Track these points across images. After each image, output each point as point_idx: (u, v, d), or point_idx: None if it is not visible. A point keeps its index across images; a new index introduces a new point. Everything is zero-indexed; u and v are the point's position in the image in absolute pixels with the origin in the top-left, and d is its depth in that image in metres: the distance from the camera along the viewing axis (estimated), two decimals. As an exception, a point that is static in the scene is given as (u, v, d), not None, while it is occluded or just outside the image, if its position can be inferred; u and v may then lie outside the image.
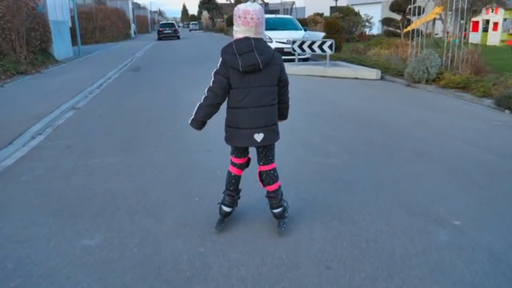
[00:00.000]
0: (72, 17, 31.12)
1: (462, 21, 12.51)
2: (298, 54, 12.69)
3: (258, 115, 2.76)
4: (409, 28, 14.65)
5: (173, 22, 45.34)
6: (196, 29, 74.79)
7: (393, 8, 21.29)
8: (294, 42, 12.49)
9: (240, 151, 2.97)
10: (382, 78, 11.11)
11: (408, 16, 19.83)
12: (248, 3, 2.83)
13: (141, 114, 7.27)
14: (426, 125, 6.22)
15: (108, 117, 7.07)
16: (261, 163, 2.98)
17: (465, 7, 12.81)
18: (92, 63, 17.11)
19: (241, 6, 2.68)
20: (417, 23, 13.90)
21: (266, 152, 2.94)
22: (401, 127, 6.10)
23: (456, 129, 5.99)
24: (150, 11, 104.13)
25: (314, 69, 12.03)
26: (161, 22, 47.31)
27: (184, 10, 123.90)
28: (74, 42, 31.01)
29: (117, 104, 8.30)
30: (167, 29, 39.25)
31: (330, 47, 11.84)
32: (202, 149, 5.09)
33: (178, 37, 38.59)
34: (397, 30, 17.95)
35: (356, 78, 11.25)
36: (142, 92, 9.71)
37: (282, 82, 2.86)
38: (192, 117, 2.88)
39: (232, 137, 2.86)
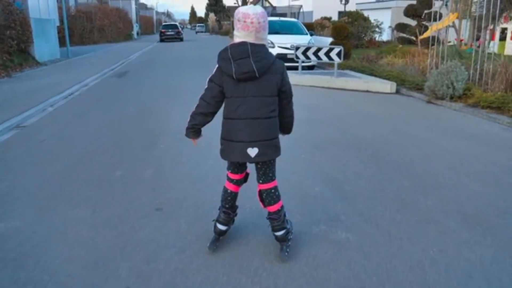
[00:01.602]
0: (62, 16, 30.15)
1: (489, 27, 11.02)
2: (302, 62, 11.22)
3: (253, 128, 2.54)
4: (425, 35, 13.16)
5: (176, 23, 44.06)
6: (202, 31, 73.80)
7: (408, 13, 19.61)
8: (297, 48, 11.02)
9: (237, 166, 2.77)
10: (397, 92, 9.61)
11: (424, 22, 18.28)
12: (250, 5, 2.58)
13: (98, 137, 5.83)
14: (464, 163, 4.71)
15: (52, 143, 5.59)
16: (260, 181, 2.75)
17: (483, 13, 11.32)
18: (77, 66, 15.71)
19: (241, 9, 2.49)
20: (432, 29, 12.41)
21: (266, 169, 2.71)
22: (432, 168, 4.57)
23: (498, 167, 4.50)
24: (157, 12, 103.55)
25: (320, 79, 10.54)
26: (163, 23, 46.02)
27: (193, 12, 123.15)
28: (61, 43, 30.07)
29: (74, 122, 6.83)
30: (170, 30, 38.05)
31: (339, 54, 10.36)
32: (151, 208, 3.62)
33: (181, 39, 37.43)
34: (412, 37, 16.39)
35: (367, 91, 9.75)
36: (115, 104, 8.29)
37: (283, 94, 2.62)
38: (186, 125, 2.69)
39: (226, 150, 2.66)
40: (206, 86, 2.59)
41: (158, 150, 5.25)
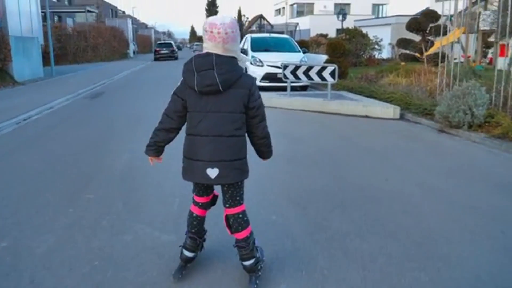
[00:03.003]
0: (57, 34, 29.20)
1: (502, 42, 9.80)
2: (292, 82, 9.93)
3: (214, 146, 2.34)
4: (431, 51, 11.91)
5: (171, 42, 43.16)
6: (199, 50, 73.18)
7: (411, 27, 18.17)
8: (286, 66, 9.75)
9: (201, 188, 2.56)
10: (401, 117, 8.29)
11: (430, 37, 17.06)
12: (220, 15, 2.54)
13: (12, 183, 4.48)
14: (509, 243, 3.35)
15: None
16: (227, 205, 2.53)
17: (499, 25, 10.12)
18: (55, 86, 14.52)
19: (209, 19, 2.33)
20: (437, 45, 11.18)
21: (232, 192, 2.49)
22: (467, 253, 3.22)
23: None
24: (157, 31, 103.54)
25: (311, 102, 9.23)
26: (158, 42, 45.18)
27: (193, 32, 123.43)
28: (55, 61, 29.10)
29: (5, 157, 5.57)
30: (164, 49, 37.21)
31: (332, 74, 9.08)
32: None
33: (176, 58, 36.61)
34: (416, 54, 15.10)
35: (366, 117, 8.43)
36: (66, 134, 7.02)
37: (251, 111, 2.40)
38: (148, 142, 2.50)
39: (186, 169, 2.47)
40: (170, 99, 2.45)
41: (81, 201, 3.91)
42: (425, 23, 17.27)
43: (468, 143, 6.25)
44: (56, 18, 36.77)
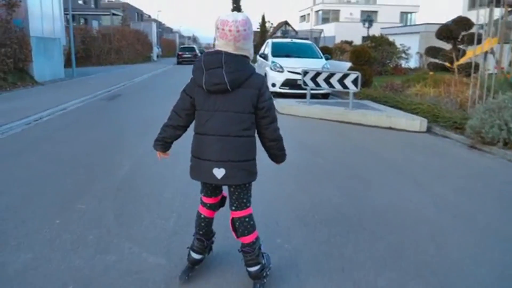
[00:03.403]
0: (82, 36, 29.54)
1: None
2: (312, 89, 9.47)
3: (221, 146, 2.28)
4: (462, 61, 11.25)
5: (194, 46, 43.39)
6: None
7: (441, 35, 17.25)
8: (306, 73, 9.31)
9: (209, 189, 2.51)
10: (428, 130, 7.73)
11: (461, 46, 16.21)
12: (232, 12, 2.34)
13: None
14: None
15: None
16: (233, 208, 2.46)
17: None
18: (74, 87, 14.44)
19: (221, 16, 2.28)
20: (469, 54, 10.52)
21: (239, 194, 2.42)
22: None
23: None
24: (182, 36, 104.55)
25: (331, 111, 8.75)
26: (181, 46, 45.41)
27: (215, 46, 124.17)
28: (79, 63, 29.45)
29: (5, 160, 5.34)
30: (187, 53, 37.41)
31: (355, 82, 8.59)
32: None
33: (198, 62, 36.53)
34: (446, 63, 14.36)
35: (390, 128, 7.90)
36: (71, 138, 6.76)
37: (260, 112, 2.33)
38: (156, 137, 2.52)
39: (193, 168, 2.42)
40: (179, 97, 2.42)
41: (71, 211, 3.56)
42: (456, 31, 16.37)
43: (503, 162, 5.66)
44: (82, 21, 37.33)
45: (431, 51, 18.68)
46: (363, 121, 8.27)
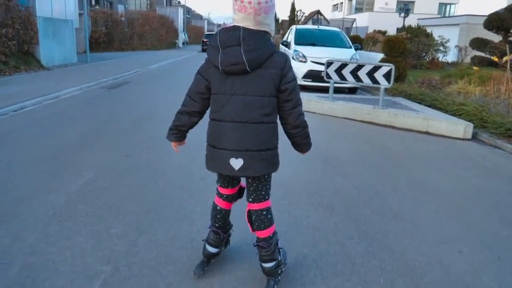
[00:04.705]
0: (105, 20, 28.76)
1: None
2: (336, 83, 8.16)
3: (238, 134, 2.05)
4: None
5: (220, 33, 42.00)
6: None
7: (490, 25, 15.22)
8: (330, 64, 7.99)
9: (226, 179, 2.32)
10: (473, 137, 6.35)
11: (513, 38, 14.30)
12: None
13: None
14: None
15: None
16: (250, 199, 2.28)
17: None
18: (81, 73, 13.55)
19: None
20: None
21: (258, 185, 2.23)
22: None
23: None
24: (211, 23, 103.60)
25: (357, 110, 7.43)
26: (206, 33, 44.25)
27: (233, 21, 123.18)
28: (100, 47, 28.77)
29: None
30: (212, 40, 36.17)
31: (387, 76, 7.23)
32: None
33: (223, 49, 35.44)
34: (493, 57, 12.55)
35: (427, 133, 6.55)
36: (44, 136, 5.75)
37: (283, 94, 2.08)
38: (170, 125, 2.27)
39: (209, 158, 2.21)
40: (194, 79, 2.17)
41: None
42: (509, 20, 14.36)
43: None
44: (106, 4, 36.68)
45: (477, 43, 16.71)
46: (394, 122, 6.93)
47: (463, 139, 6.27)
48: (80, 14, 18.19)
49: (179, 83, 11.79)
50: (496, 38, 16.08)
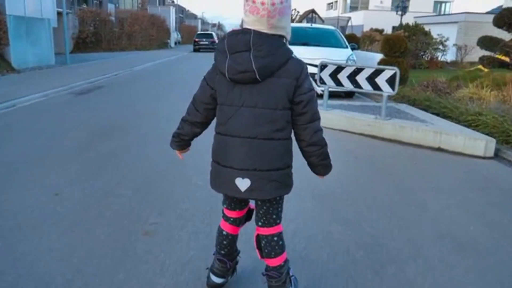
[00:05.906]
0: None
1: None
2: (330, 88, 7.12)
3: (246, 150, 1.84)
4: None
5: (212, 33, 40.84)
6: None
7: (502, 21, 14.11)
8: (323, 67, 6.95)
9: (233, 200, 2.10)
10: (496, 155, 5.33)
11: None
12: None
13: None
14: None
15: None
16: (259, 223, 2.05)
17: None
18: (55, 76, 12.45)
19: None
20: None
21: (268, 208, 2.00)
22: None
23: None
24: (206, 22, 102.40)
25: (356, 120, 6.39)
26: (198, 32, 43.04)
27: (243, 25, 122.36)
28: (87, 48, 27.56)
29: None
30: (204, 39, 35.19)
31: (391, 81, 6.19)
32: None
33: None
34: (503, 57, 11.52)
35: (439, 149, 5.53)
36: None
37: (297, 107, 1.84)
38: (173, 132, 2.11)
39: (213, 176, 1.99)
40: (199, 85, 1.98)
41: None
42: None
43: None
44: (96, 3, 35.44)
45: (486, 42, 15.64)
46: (400, 136, 5.90)
47: (483, 158, 5.25)
48: (61, 13, 17.01)
49: (159, 87, 10.72)
50: (504, 36, 15.01)
